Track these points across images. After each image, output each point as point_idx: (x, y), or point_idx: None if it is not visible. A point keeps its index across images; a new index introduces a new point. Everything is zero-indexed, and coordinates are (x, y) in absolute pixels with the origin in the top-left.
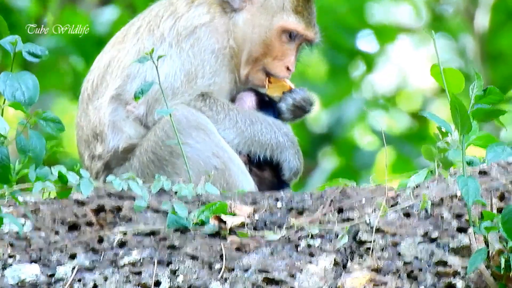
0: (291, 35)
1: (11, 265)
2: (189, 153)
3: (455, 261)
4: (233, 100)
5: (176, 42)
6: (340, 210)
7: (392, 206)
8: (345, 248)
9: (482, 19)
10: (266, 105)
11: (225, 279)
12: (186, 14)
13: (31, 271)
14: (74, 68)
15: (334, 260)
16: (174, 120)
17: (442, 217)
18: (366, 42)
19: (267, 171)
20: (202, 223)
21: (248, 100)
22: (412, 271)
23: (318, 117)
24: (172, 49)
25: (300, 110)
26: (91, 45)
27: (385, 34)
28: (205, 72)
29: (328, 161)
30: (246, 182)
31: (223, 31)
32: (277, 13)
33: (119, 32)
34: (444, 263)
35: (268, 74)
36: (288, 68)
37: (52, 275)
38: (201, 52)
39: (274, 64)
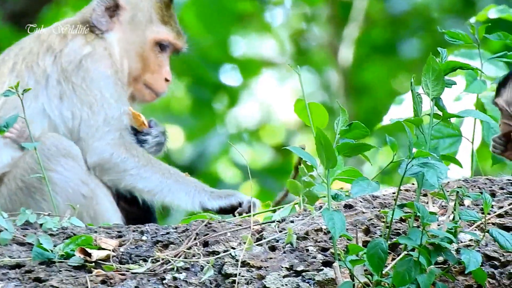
0: (162, 46)
1: None
2: (58, 180)
3: None
4: None
5: (64, 78)
6: (206, 244)
7: (257, 239)
8: (210, 281)
9: (346, 53)
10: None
11: None
12: (65, 48)
13: None
14: None
15: None
16: (44, 148)
17: (307, 251)
18: (230, 76)
19: (135, 206)
20: (68, 256)
21: None
22: None
23: (182, 149)
24: (63, 86)
25: (160, 145)
26: None
27: (250, 68)
28: (109, 101)
29: None
30: (113, 211)
31: (107, 55)
32: (147, 27)
33: None
34: None
35: (149, 89)
36: (166, 80)
37: None
38: (94, 81)
39: (153, 78)
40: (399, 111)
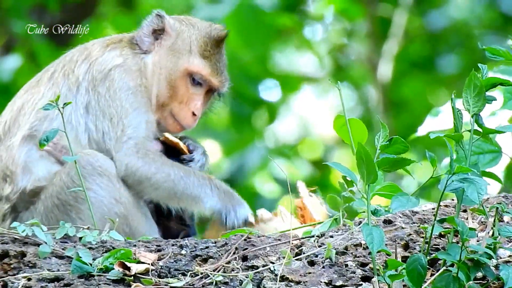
0: (194, 79)
1: None
2: (93, 199)
3: None
4: None
5: (92, 87)
6: (245, 258)
7: (296, 254)
8: None
9: (385, 69)
10: (169, 154)
11: None
12: (100, 58)
13: None
14: None
15: None
16: (80, 166)
17: (346, 266)
18: (269, 91)
19: (173, 221)
20: (107, 270)
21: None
22: None
23: (220, 164)
24: (89, 95)
25: (203, 166)
26: None
27: (289, 83)
28: (128, 111)
29: None
30: (149, 228)
31: (135, 70)
32: (183, 56)
33: (33, 78)
34: None
35: (174, 119)
36: (194, 114)
37: None
38: (116, 92)
39: (179, 108)
40: (435, 123)
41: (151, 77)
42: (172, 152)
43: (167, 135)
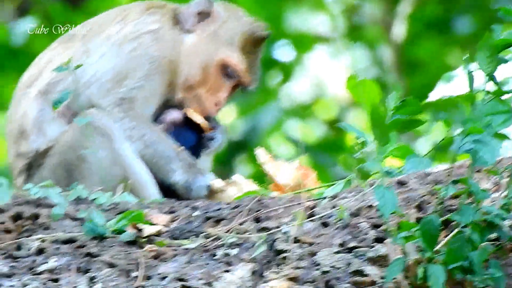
0: (228, 72)
1: None
2: (92, 160)
3: (372, 271)
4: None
5: (119, 44)
6: (257, 220)
7: (309, 216)
8: (262, 257)
9: (399, 29)
10: (189, 128)
11: (143, 287)
12: (137, 19)
13: None
14: None
15: (252, 269)
16: (81, 126)
17: (359, 227)
18: (283, 51)
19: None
20: (120, 232)
21: (174, 115)
22: (329, 281)
23: (234, 125)
24: (113, 48)
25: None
26: (6, 57)
27: (302, 43)
28: (136, 76)
29: (243, 168)
30: (148, 190)
31: (168, 42)
32: (224, 46)
33: (68, 32)
34: (361, 273)
35: (198, 104)
36: (217, 104)
37: None
38: (140, 57)
39: (206, 96)
40: (447, 88)
41: (185, 57)
42: (193, 126)
43: (191, 111)
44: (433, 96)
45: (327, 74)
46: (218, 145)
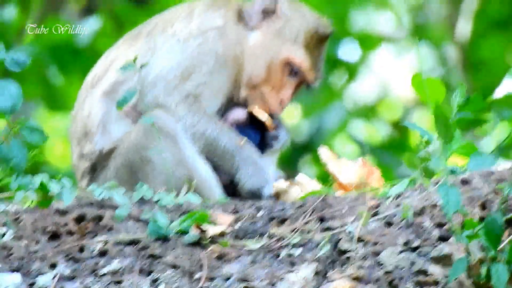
0: (292, 70)
1: None
2: (156, 161)
3: (436, 270)
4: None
5: (184, 40)
6: (322, 219)
7: (373, 215)
8: (326, 257)
9: (464, 28)
10: (253, 127)
11: None
12: (202, 16)
13: (11, 280)
14: (48, 79)
15: (315, 269)
16: (146, 127)
17: (423, 226)
18: (348, 50)
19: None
20: (183, 232)
21: (238, 114)
22: (393, 280)
23: (299, 126)
24: (179, 45)
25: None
26: (70, 56)
27: (368, 43)
28: (201, 72)
29: (308, 169)
30: (212, 190)
31: (233, 38)
32: (288, 44)
33: (134, 29)
34: (425, 272)
35: (263, 102)
36: (281, 102)
37: (32, 284)
38: (205, 53)
39: (270, 94)
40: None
41: (249, 55)
42: (257, 125)
43: (256, 108)
44: (499, 92)
45: (392, 74)
46: (282, 143)
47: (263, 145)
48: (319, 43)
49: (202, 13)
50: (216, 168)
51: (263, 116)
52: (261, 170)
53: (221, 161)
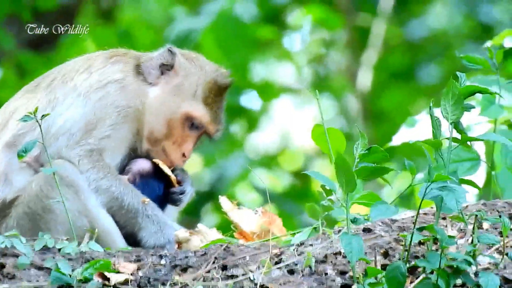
0: (193, 124)
1: None
2: (58, 211)
3: None
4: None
5: (85, 93)
6: (224, 267)
7: (276, 263)
8: None
9: (365, 79)
10: (158, 178)
11: None
12: (102, 69)
13: None
14: None
15: None
16: (47, 176)
17: (326, 274)
18: (249, 101)
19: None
20: (86, 280)
21: (143, 165)
22: None
23: (201, 174)
24: (80, 98)
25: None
26: None
27: (268, 93)
28: (104, 125)
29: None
30: (114, 239)
31: (133, 91)
32: (187, 99)
33: (32, 82)
34: None
35: (165, 156)
36: (184, 155)
37: None
38: (107, 106)
39: (172, 148)
40: (410, 132)
41: (150, 109)
42: (161, 176)
43: (160, 162)
44: (396, 140)
45: (293, 124)
46: (188, 198)
47: (166, 196)
48: (219, 94)
49: (101, 66)
50: (119, 223)
51: (167, 170)
52: (164, 228)
53: (124, 217)
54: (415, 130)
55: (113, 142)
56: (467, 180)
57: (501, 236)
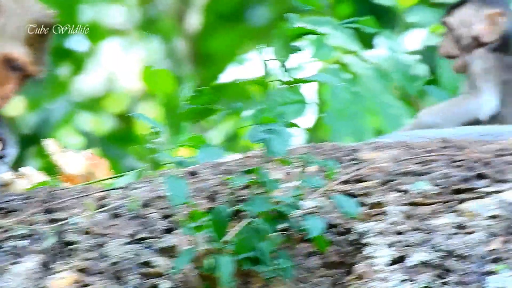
0: (14, 66)
1: None
2: None
3: (161, 262)
4: None
5: None
6: (49, 211)
7: (100, 207)
8: (51, 249)
9: (194, 21)
10: None
11: None
12: None
13: None
14: None
15: (40, 260)
16: None
17: (150, 218)
18: (76, 42)
19: None
20: None
21: None
22: (117, 271)
23: (24, 118)
24: None
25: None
26: None
27: (96, 34)
28: None
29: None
30: None
31: None
32: (9, 40)
33: None
34: (149, 264)
35: None
36: (2, 98)
37: None
38: None
39: None
40: (239, 71)
41: None
42: None
43: None
44: (224, 78)
45: (120, 67)
46: (10, 159)
47: None
48: (42, 35)
49: None
50: None
51: None
52: None
53: None
54: (243, 69)
55: None
56: (293, 123)
57: (327, 179)
